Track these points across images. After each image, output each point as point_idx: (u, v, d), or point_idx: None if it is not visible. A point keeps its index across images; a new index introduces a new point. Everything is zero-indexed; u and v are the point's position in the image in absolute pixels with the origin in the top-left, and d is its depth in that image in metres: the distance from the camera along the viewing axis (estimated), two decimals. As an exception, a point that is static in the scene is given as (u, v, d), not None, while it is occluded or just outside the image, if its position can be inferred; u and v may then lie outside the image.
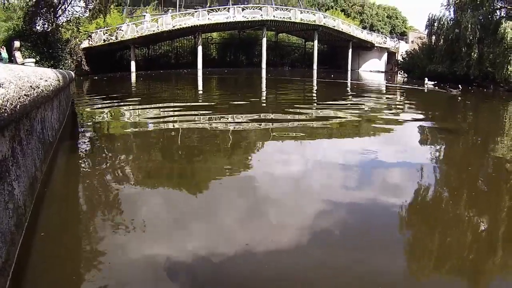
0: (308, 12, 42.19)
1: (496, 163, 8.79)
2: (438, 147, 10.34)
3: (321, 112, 14.57)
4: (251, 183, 6.10)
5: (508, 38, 27.85)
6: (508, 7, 31.60)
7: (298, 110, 13.87)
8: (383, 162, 7.91)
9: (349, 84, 29.87)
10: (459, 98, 23.09)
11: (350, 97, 20.89)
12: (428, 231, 5.11)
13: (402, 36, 52.18)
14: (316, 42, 43.13)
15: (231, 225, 4.69)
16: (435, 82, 30.20)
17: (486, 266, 4.28)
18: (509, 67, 27.84)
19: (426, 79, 30.74)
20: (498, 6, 32.24)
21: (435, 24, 35.08)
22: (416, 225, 5.26)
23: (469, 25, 30.00)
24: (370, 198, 5.83)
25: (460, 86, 26.04)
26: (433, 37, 36.04)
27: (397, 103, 19.58)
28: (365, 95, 21.73)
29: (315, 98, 20.25)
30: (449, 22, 33.89)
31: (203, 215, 4.90)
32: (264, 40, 39.86)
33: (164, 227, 4.44)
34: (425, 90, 27.52)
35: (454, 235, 4.93)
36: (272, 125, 11.17)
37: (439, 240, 4.85)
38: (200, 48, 36.98)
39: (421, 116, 15.74)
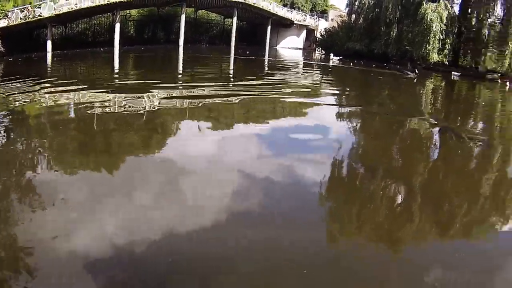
0: (228, -12, 40.60)
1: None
2: (351, 122, 11.08)
3: (234, 88, 14.47)
4: (169, 160, 6.22)
5: (428, 19, 28.81)
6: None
7: (212, 86, 13.80)
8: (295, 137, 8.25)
9: (266, 61, 30.29)
10: (415, 80, 24.32)
11: (265, 74, 20.99)
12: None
13: (323, 14, 52.16)
14: (235, 19, 42.17)
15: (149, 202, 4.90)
16: (340, 57, 31.88)
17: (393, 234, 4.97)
18: (427, 46, 28.95)
19: (332, 54, 32.48)
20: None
21: (356, 3, 35.63)
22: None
23: (390, 5, 30.73)
24: (281, 172, 6.21)
25: (416, 70, 27.22)
26: (353, 16, 36.62)
27: (312, 79, 20.71)
28: (281, 72, 22.07)
29: (231, 75, 20.06)
30: (370, 1, 34.49)
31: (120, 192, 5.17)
32: (183, 17, 38.34)
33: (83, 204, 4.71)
34: (330, 65, 29.35)
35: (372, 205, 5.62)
36: (188, 104, 10.93)
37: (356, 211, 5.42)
38: (117, 26, 34.94)
39: (336, 92, 16.88)
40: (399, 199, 6.17)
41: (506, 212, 6.14)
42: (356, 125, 11.06)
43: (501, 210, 6.22)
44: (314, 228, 4.87)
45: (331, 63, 30.11)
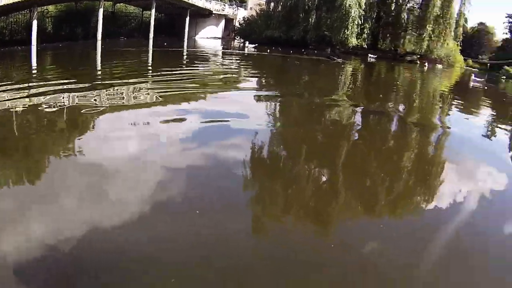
0: (145, -20, 39.50)
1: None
2: (272, 106, 11.15)
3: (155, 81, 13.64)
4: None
5: (346, 5, 29.15)
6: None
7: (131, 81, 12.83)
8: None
9: (185, 52, 29.85)
10: (342, 65, 24.40)
11: (183, 65, 20.62)
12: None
13: (242, 3, 50.23)
14: (153, 11, 40.96)
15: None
16: (256, 45, 31.45)
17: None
18: (346, 31, 29.34)
19: (247, 42, 32.37)
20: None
21: (275, -9, 35.55)
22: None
23: (309, -7, 31.01)
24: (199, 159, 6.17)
25: (337, 56, 27.38)
26: (272, 4, 36.45)
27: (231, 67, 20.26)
28: (200, 62, 21.63)
29: (149, 68, 19.17)
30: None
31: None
32: (101, 11, 36.84)
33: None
34: (246, 53, 28.67)
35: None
36: (108, 102, 9.97)
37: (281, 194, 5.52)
38: (35, 23, 32.68)
39: (257, 78, 16.91)
40: (323, 179, 6.28)
41: (427, 187, 6.39)
42: (277, 109, 10.97)
43: (422, 185, 6.48)
44: (240, 214, 4.80)
45: (246, 50, 29.63)
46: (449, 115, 13.82)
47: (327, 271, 3.82)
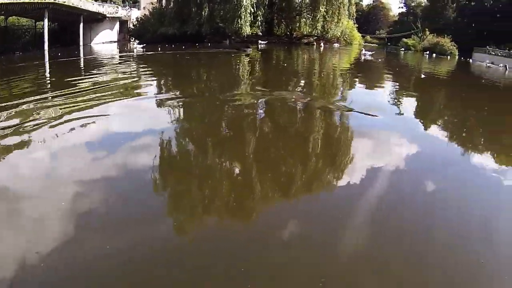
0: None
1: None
2: (176, 107, 10.90)
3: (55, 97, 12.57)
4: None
5: None
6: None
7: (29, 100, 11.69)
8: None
9: (82, 61, 28.45)
10: (248, 55, 24.54)
11: (81, 75, 18.99)
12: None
13: (135, 3, 48.77)
14: (46, 21, 38.44)
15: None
16: (144, 44, 31.10)
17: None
18: (239, 20, 29.40)
19: (136, 43, 32.48)
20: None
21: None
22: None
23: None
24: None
25: (250, 45, 27.91)
26: (164, 1, 36.05)
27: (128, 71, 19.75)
28: (97, 70, 20.55)
29: (48, 82, 17.82)
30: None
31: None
32: None
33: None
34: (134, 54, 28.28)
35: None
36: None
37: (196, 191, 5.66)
38: None
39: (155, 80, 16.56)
40: (238, 171, 6.35)
41: (335, 165, 6.85)
42: (181, 108, 10.84)
43: (331, 164, 6.88)
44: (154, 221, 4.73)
45: (135, 52, 29.00)
46: (345, 92, 14.83)
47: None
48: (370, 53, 30.52)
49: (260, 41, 30.63)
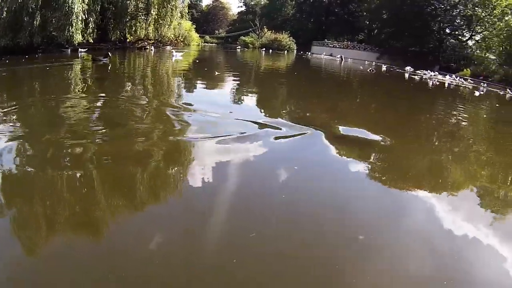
0: None
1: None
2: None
3: None
4: None
5: (69, 2, 29.60)
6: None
7: None
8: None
9: None
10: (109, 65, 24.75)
11: None
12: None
13: None
14: None
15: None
16: None
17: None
18: (71, 28, 30.03)
19: None
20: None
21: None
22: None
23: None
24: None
25: (110, 54, 27.52)
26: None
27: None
28: None
29: None
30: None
31: None
32: None
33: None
34: None
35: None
36: None
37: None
38: None
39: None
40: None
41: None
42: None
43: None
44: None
45: None
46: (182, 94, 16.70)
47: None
48: (180, 54, 34.40)
49: (80, 49, 31.17)
